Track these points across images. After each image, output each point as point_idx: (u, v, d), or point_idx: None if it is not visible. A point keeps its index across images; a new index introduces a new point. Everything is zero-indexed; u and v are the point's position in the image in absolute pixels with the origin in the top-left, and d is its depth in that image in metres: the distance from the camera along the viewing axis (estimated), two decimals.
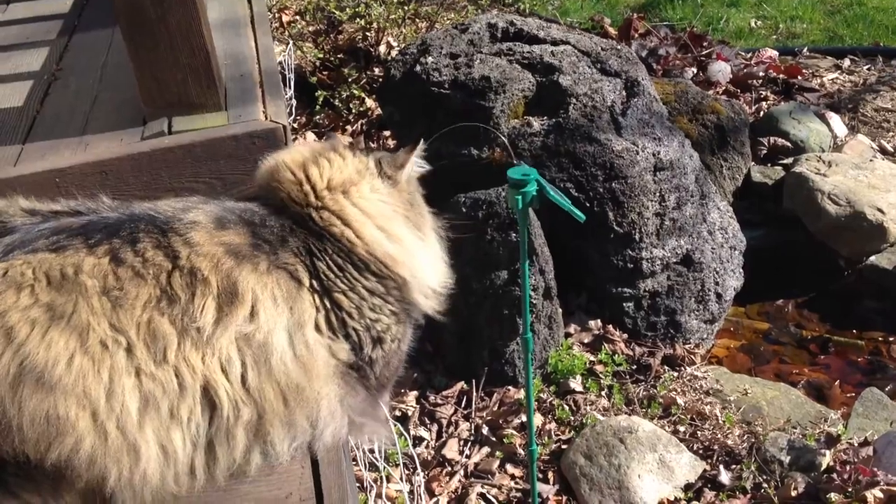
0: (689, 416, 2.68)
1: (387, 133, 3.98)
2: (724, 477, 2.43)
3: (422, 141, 1.63)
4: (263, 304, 1.34)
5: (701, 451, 2.54)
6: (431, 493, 2.43)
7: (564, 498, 2.43)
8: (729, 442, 2.54)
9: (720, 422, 2.62)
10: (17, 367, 1.19)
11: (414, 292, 1.53)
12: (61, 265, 1.26)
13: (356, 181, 1.51)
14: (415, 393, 2.75)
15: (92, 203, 1.44)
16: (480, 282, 2.67)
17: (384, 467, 2.47)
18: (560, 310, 2.90)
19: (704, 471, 2.47)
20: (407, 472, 2.49)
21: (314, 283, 1.42)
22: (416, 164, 1.63)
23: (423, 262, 1.55)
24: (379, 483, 2.40)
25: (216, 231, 1.36)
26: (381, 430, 1.62)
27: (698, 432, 2.62)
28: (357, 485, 2.43)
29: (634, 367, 2.91)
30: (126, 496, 1.27)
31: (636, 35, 4.88)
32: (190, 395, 1.29)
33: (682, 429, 2.64)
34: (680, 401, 2.73)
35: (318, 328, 1.42)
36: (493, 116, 2.95)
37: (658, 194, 2.99)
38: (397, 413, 2.69)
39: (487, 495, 2.43)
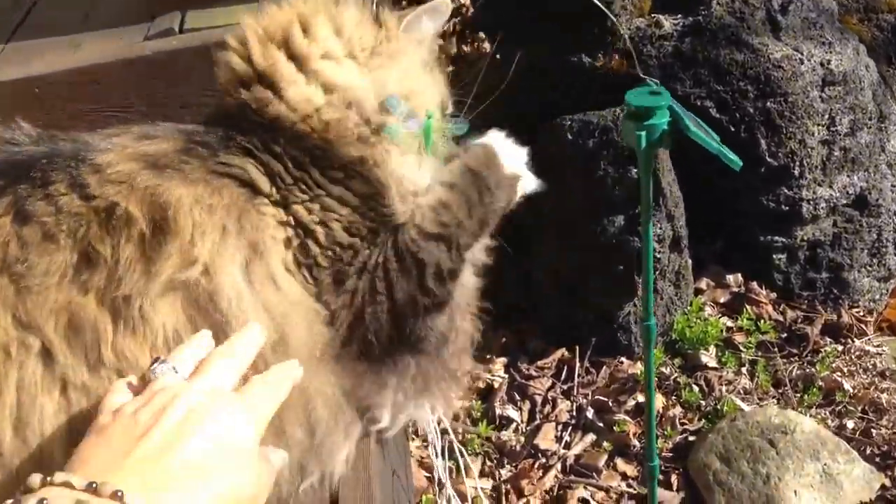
0: (859, 408, 2.06)
1: (482, 35, 3.39)
2: None
3: None
4: (201, 228, 0.86)
5: (877, 459, 1.93)
6: (519, 493, 1.94)
7: None
8: None
9: None
10: None
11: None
12: None
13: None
14: (503, 360, 2.24)
15: (7, 132, 0.96)
16: (589, 228, 2.09)
17: (460, 454, 1.99)
18: (689, 261, 2.29)
19: (883, 487, 1.87)
20: (489, 464, 2.00)
21: (275, 191, 0.93)
22: (433, 16, 1.08)
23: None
24: (453, 476, 1.93)
25: (134, 143, 0.90)
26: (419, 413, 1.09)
27: (872, 430, 2.01)
28: (426, 476, 1.97)
29: (785, 336, 2.28)
30: None
31: None
32: None
33: (850, 424, 2.02)
34: (847, 385, 2.11)
35: (287, 263, 0.93)
36: (611, 12, 2.31)
37: (827, 116, 2.31)
38: (480, 384, 2.19)
39: (591, 501, 1.91)
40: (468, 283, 1.10)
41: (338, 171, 0.95)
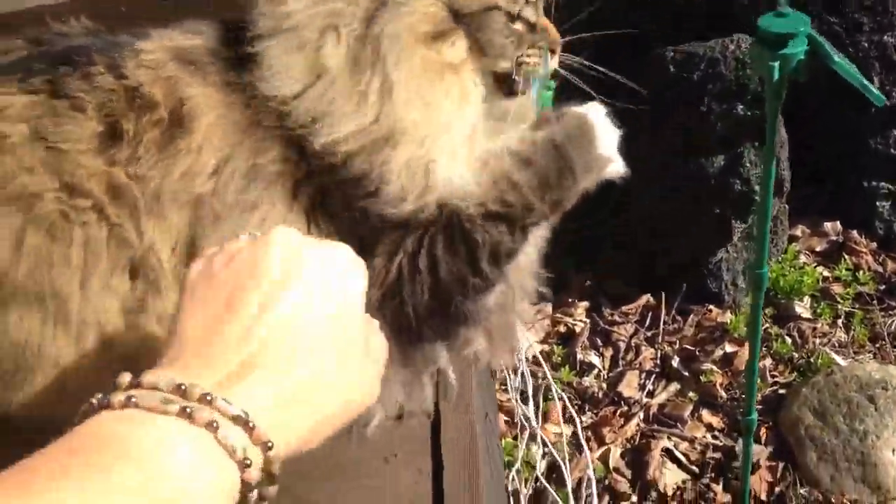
0: None
1: None
2: None
3: None
4: (211, 139, 0.81)
5: None
6: (601, 440, 1.89)
7: (781, 464, 1.81)
8: None
9: None
10: None
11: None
12: None
13: None
14: (585, 304, 2.16)
15: (61, 26, 0.92)
16: (685, 167, 1.98)
17: (542, 402, 1.94)
18: (787, 206, 2.16)
19: None
20: (570, 410, 1.95)
21: (285, 131, 0.83)
22: None
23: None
24: (534, 420, 1.88)
25: (178, 36, 0.86)
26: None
27: None
28: (505, 420, 1.93)
29: (884, 288, 2.16)
30: None
31: None
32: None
33: None
34: None
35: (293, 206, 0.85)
36: None
37: None
38: (561, 328, 2.13)
39: (675, 451, 1.85)
40: (524, 263, 0.96)
41: None
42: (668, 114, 1.92)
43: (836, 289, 2.15)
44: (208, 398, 0.44)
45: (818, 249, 2.24)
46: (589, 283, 2.17)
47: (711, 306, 2.10)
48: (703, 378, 1.98)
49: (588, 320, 2.13)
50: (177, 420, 0.43)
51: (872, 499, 1.72)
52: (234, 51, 0.84)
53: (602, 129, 0.93)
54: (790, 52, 1.07)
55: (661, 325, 2.09)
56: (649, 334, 2.09)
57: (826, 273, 2.19)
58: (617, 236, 2.16)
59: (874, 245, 2.24)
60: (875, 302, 2.12)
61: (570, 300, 2.15)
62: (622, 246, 2.15)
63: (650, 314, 2.12)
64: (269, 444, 0.45)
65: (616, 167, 0.95)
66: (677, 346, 2.05)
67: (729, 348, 2.03)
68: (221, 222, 0.80)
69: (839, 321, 2.09)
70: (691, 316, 2.10)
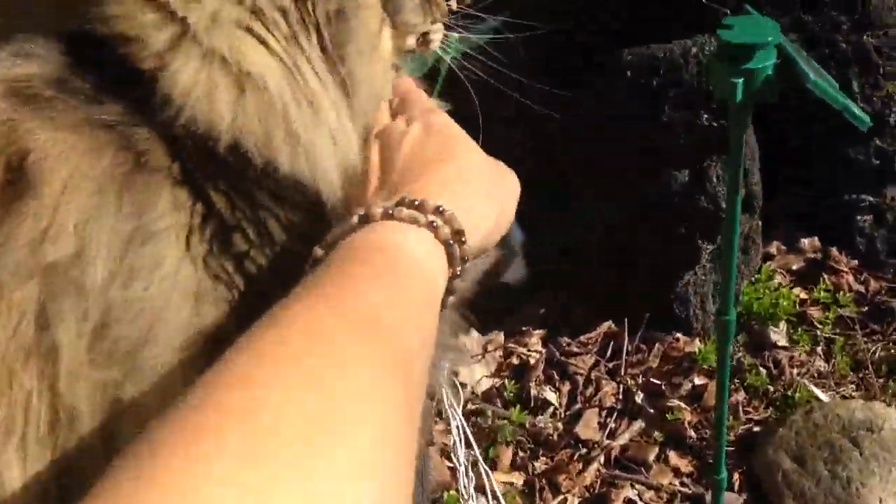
0: None
1: None
2: None
3: None
4: (69, 195, 0.59)
5: None
6: (556, 489, 1.69)
7: None
8: None
9: None
10: None
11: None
12: None
13: None
14: (539, 333, 1.96)
15: None
16: (646, 183, 1.78)
17: (491, 447, 1.74)
18: (760, 223, 1.98)
19: None
20: (522, 454, 1.75)
21: (176, 167, 0.63)
22: None
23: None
24: (480, 471, 1.68)
25: (3, 60, 0.63)
26: None
27: None
28: (449, 467, 1.72)
29: (867, 310, 1.98)
30: None
31: None
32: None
33: None
34: None
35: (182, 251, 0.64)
36: None
37: None
38: (514, 360, 1.93)
39: (639, 501, 1.66)
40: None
41: None
42: (626, 125, 1.73)
43: (815, 313, 1.96)
44: (440, 209, 0.54)
45: (794, 268, 2.06)
46: (544, 310, 1.97)
47: (679, 334, 1.91)
48: (669, 416, 1.78)
49: (544, 350, 1.93)
50: (424, 230, 0.54)
51: None
52: (96, 76, 0.63)
53: None
54: (756, 67, 0.88)
55: (624, 356, 1.89)
56: (610, 366, 1.90)
57: (803, 295, 2.01)
58: (576, 258, 1.96)
59: (855, 263, 2.06)
60: (857, 326, 1.94)
61: (523, 328, 1.95)
62: (581, 270, 1.96)
63: (611, 343, 1.93)
64: (463, 239, 0.56)
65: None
66: (641, 379, 1.86)
67: (698, 381, 1.84)
68: (87, 292, 0.59)
69: (818, 349, 1.91)
70: (657, 345, 1.90)
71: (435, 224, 0.54)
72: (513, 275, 0.88)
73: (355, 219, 0.53)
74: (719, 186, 1.74)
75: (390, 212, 0.53)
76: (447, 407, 1.33)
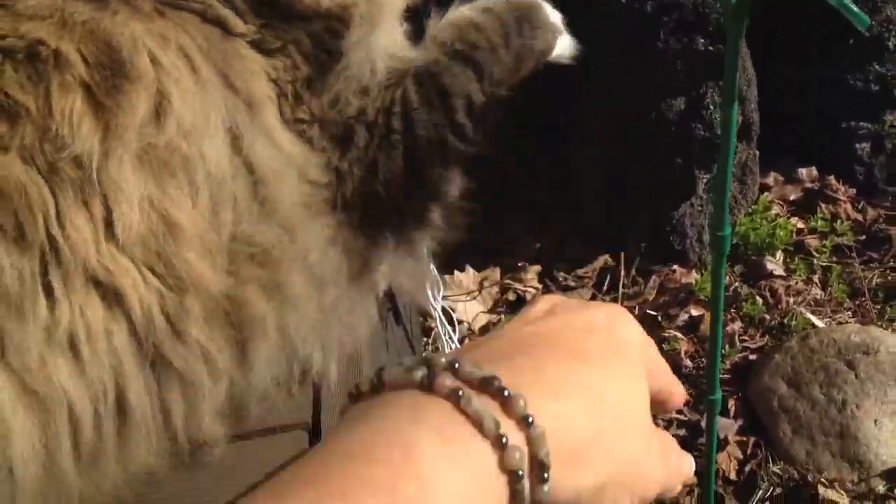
0: None
1: None
2: None
3: None
4: (173, 75, 0.63)
5: None
6: None
7: (751, 440, 1.64)
8: None
9: None
10: None
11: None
12: None
13: None
14: (536, 268, 1.96)
15: None
16: (643, 113, 1.76)
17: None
18: (757, 152, 1.96)
19: None
20: None
21: (251, 30, 0.69)
22: None
23: None
24: None
25: None
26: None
27: None
28: None
29: (864, 239, 1.98)
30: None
31: None
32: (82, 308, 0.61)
33: None
34: None
35: (278, 118, 0.72)
36: None
37: None
38: (510, 296, 1.93)
39: None
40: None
41: None
42: (620, 52, 1.70)
43: (812, 242, 1.96)
44: (529, 420, 0.38)
45: (792, 199, 2.05)
46: (540, 244, 1.97)
47: (675, 266, 1.91)
48: (666, 346, 1.79)
49: (540, 286, 1.94)
50: (485, 446, 0.37)
51: (853, 475, 1.55)
52: None
53: (547, 7, 0.89)
54: None
55: (621, 289, 1.90)
56: (607, 299, 1.90)
57: (801, 225, 2.00)
58: (572, 191, 1.95)
59: (853, 192, 2.05)
60: (854, 254, 1.94)
61: (520, 264, 1.95)
62: (576, 203, 1.95)
63: (608, 276, 1.93)
64: (545, 475, 0.38)
65: (564, 42, 0.89)
66: (638, 311, 1.86)
67: (695, 311, 1.85)
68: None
69: (815, 277, 1.91)
70: (653, 277, 1.90)
71: (505, 441, 0.37)
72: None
73: (420, 373, 0.39)
74: (716, 113, 1.72)
75: (459, 393, 0.38)
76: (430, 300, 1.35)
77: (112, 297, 0.60)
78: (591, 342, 0.43)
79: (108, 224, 0.59)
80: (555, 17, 0.88)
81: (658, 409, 0.49)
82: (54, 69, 0.59)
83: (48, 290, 0.57)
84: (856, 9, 0.85)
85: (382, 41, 0.77)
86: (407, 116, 0.77)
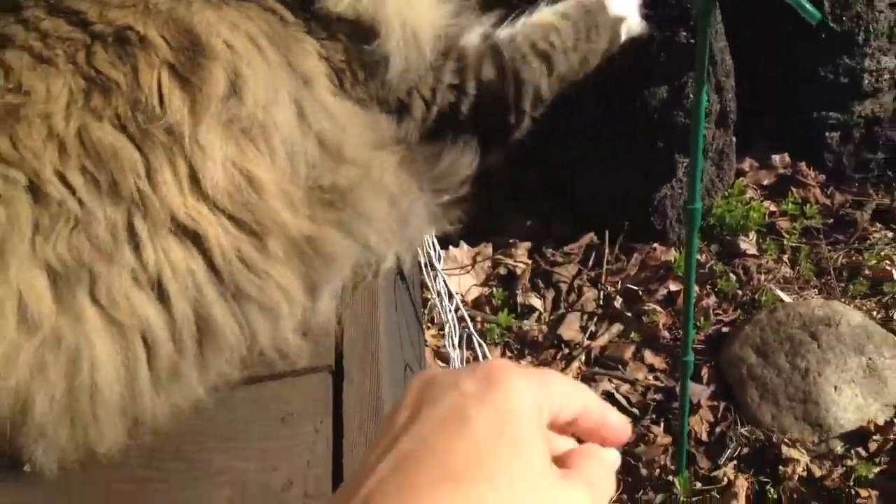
0: None
1: None
2: None
3: None
4: (245, 57, 0.74)
5: None
6: None
7: (722, 404, 1.78)
8: None
9: None
10: None
11: None
12: None
13: None
14: (526, 245, 2.09)
15: None
16: (626, 99, 1.88)
17: (479, 344, 1.87)
18: (734, 139, 2.09)
19: None
20: (510, 354, 1.89)
21: (301, 19, 0.82)
22: None
23: None
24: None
25: None
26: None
27: None
28: (441, 365, 1.86)
29: (832, 222, 2.12)
30: None
31: None
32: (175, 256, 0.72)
33: None
34: None
35: (333, 91, 0.84)
36: None
37: None
38: (501, 271, 2.05)
39: (616, 393, 1.81)
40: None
41: None
42: None
43: (783, 223, 2.10)
44: None
45: (766, 183, 2.18)
46: (530, 222, 2.09)
47: (656, 244, 2.04)
48: (645, 318, 1.93)
49: (530, 262, 2.06)
50: None
51: (813, 437, 1.69)
52: None
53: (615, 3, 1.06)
54: None
55: (605, 265, 2.03)
56: (592, 274, 2.03)
57: (773, 208, 2.13)
58: (560, 174, 2.07)
59: (822, 178, 2.18)
60: (821, 236, 2.07)
61: (511, 241, 2.08)
62: (564, 185, 2.07)
63: (594, 253, 2.06)
64: None
65: (632, 24, 1.07)
66: (620, 286, 1.99)
67: (673, 287, 1.98)
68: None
69: (785, 257, 2.05)
70: (635, 254, 2.04)
71: None
72: None
73: None
74: None
75: None
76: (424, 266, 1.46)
77: (195, 242, 0.71)
78: (464, 443, 0.37)
79: (195, 180, 0.70)
80: (621, 6, 1.05)
81: (594, 436, 0.44)
82: (141, 50, 0.70)
83: (136, 238, 0.68)
84: (808, 5, 0.97)
85: (422, 25, 0.87)
86: (477, 95, 0.91)
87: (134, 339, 0.69)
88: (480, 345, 1.83)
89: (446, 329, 1.75)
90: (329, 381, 0.95)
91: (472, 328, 1.78)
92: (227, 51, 0.73)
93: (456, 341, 1.60)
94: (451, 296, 1.78)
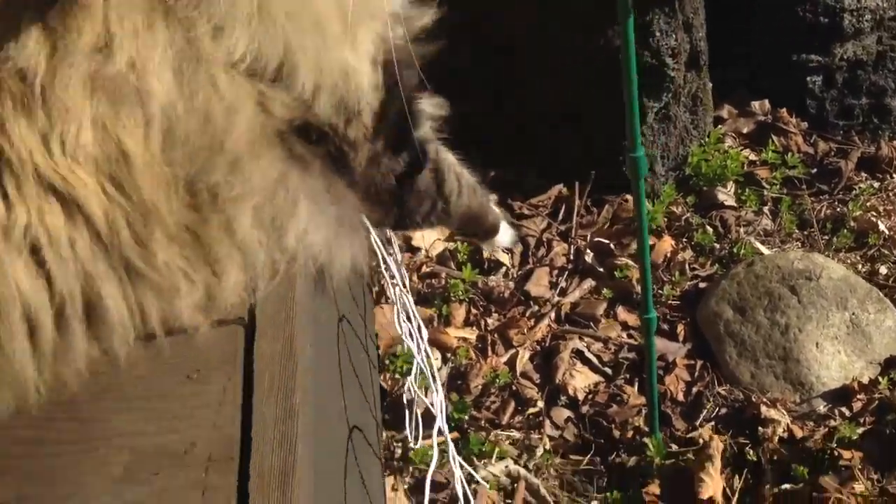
0: (894, 251, 1.82)
1: None
2: None
3: None
4: (117, 10, 0.62)
5: None
6: (508, 343, 1.73)
7: (699, 363, 1.68)
8: None
9: None
10: None
11: None
12: None
13: None
14: (493, 197, 1.96)
15: None
16: (589, 39, 1.76)
17: (445, 305, 1.76)
18: (710, 85, 1.97)
19: None
20: (475, 312, 1.78)
21: None
22: None
23: None
24: (433, 326, 1.72)
25: None
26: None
27: None
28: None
29: (815, 171, 2.01)
30: None
31: None
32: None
33: (883, 270, 1.79)
34: (882, 226, 1.86)
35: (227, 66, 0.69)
36: None
37: None
38: None
39: (587, 352, 1.70)
40: None
41: None
42: None
43: (763, 173, 1.99)
44: None
45: (745, 131, 2.07)
46: (495, 174, 1.96)
47: (628, 195, 1.93)
48: (618, 274, 1.82)
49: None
50: None
51: (795, 396, 1.60)
52: None
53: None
54: None
55: (575, 218, 1.91)
56: (562, 228, 1.92)
57: (753, 157, 2.03)
58: (527, 124, 1.95)
59: (805, 125, 2.08)
60: (804, 186, 1.97)
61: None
62: (532, 134, 1.95)
63: (563, 206, 1.94)
64: None
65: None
66: (591, 239, 1.88)
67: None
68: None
69: (765, 208, 1.94)
70: (606, 206, 1.92)
71: None
72: None
73: None
74: (663, 41, 1.72)
75: None
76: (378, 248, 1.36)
77: (71, 205, 0.61)
78: None
79: (59, 138, 0.59)
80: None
81: None
82: None
83: (2, 193, 0.57)
84: None
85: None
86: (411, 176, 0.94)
87: (8, 311, 0.58)
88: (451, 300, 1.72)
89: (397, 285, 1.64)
90: (240, 334, 0.85)
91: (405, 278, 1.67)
92: (100, 6, 0.61)
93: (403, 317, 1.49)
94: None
